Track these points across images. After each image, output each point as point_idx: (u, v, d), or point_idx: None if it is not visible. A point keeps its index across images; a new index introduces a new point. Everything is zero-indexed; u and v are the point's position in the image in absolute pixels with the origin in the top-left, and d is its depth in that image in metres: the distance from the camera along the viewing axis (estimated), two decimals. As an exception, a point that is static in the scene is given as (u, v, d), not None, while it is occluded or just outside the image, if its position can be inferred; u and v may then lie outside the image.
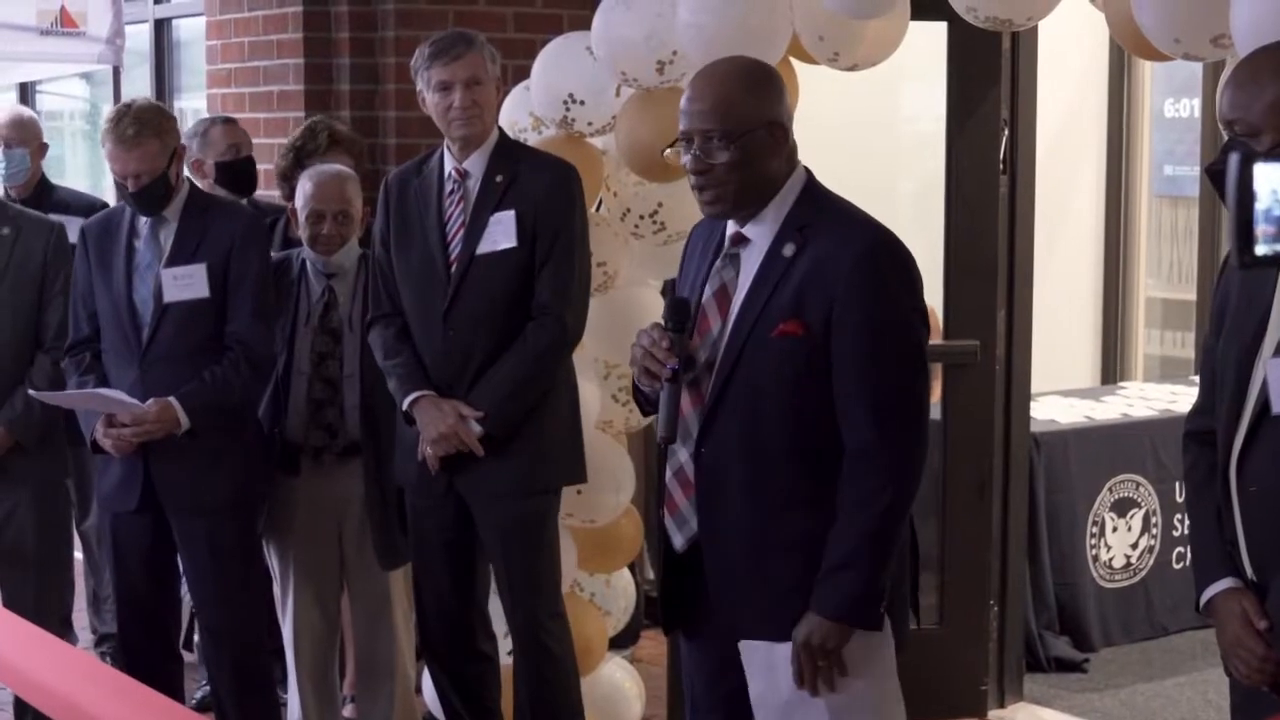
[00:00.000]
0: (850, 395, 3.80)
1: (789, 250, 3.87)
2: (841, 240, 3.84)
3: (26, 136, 7.11)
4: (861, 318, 3.78)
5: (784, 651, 3.88)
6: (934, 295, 6.87)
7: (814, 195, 3.96)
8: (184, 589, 5.94)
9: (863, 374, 3.79)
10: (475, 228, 5.20)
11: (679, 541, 4.04)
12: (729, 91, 3.90)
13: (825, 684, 3.84)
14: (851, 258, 3.80)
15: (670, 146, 4.00)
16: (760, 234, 3.93)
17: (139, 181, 5.43)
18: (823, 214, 3.92)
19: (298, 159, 6.28)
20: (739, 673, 4.00)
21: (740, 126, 3.85)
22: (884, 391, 3.80)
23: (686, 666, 4.27)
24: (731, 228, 3.99)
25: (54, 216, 6.35)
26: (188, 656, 6.35)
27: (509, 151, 5.31)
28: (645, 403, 4.18)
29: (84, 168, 9.14)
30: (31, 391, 5.68)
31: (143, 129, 5.44)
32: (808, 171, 4.01)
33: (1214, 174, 3.64)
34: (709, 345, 3.94)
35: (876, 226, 3.91)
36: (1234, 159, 3.26)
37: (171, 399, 5.39)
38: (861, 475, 3.80)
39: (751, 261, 3.93)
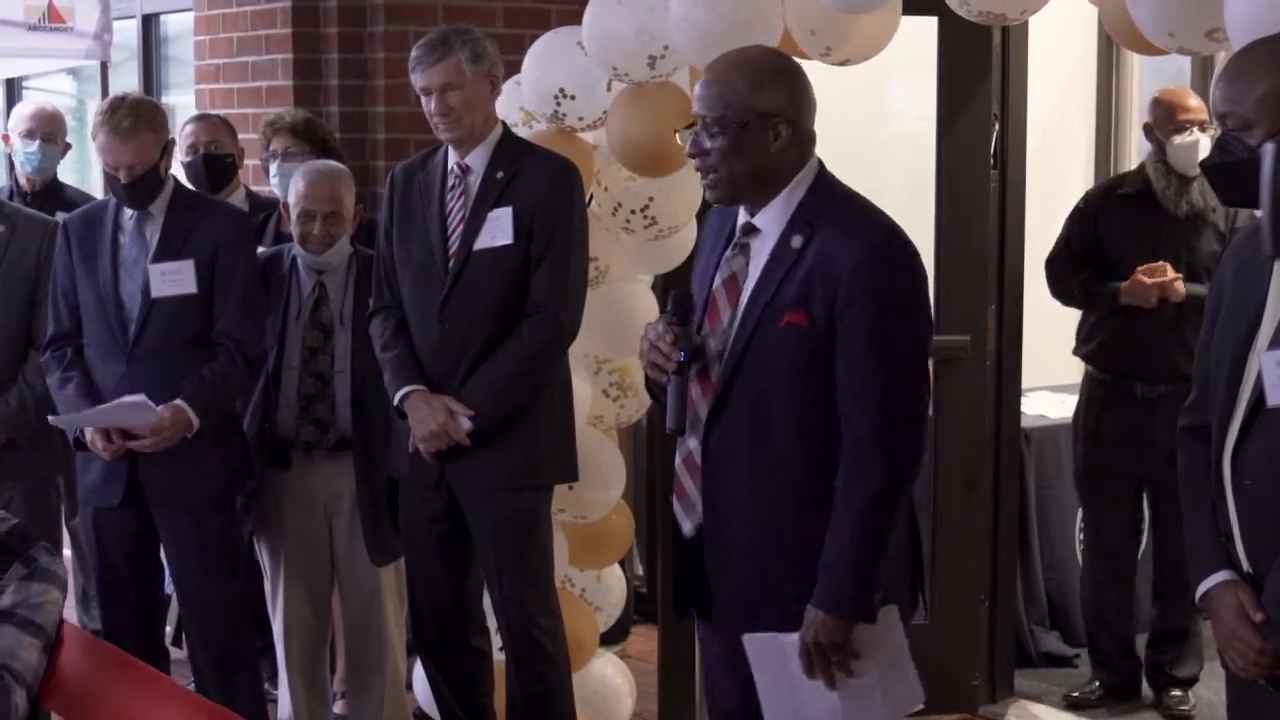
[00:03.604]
0: (851, 387, 3.83)
1: (797, 242, 3.90)
2: (850, 233, 3.87)
3: (58, 132, 7.17)
4: (867, 311, 3.81)
5: (791, 641, 3.90)
6: (929, 298, 6.86)
7: (825, 188, 3.99)
8: (170, 584, 5.93)
9: (865, 367, 3.82)
10: (474, 223, 5.20)
11: (688, 527, 4.09)
12: (726, 79, 3.94)
13: (841, 672, 3.88)
14: (859, 251, 3.83)
15: (688, 127, 4.01)
16: (769, 224, 3.97)
17: (132, 173, 5.42)
18: (832, 207, 3.94)
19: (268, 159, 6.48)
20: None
21: (733, 116, 3.89)
22: (884, 385, 3.83)
23: (704, 647, 4.31)
24: (743, 217, 4.03)
25: (60, 215, 6.36)
26: (176, 652, 6.33)
27: (511, 147, 5.30)
28: (659, 395, 4.20)
29: (71, 163, 9.08)
30: (52, 419, 5.61)
31: (138, 121, 5.45)
32: (820, 164, 4.03)
33: (1209, 169, 3.65)
34: (720, 334, 3.97)
35: (885, 221, 3.95)
36: (1269, 150, 3.28)
37: (181, 402, 5.39)
38: (857, 467, 3.83)
39: (761, 252, 3.96)
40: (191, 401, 5.39)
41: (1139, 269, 6.47)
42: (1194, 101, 6.57)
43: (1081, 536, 7.15)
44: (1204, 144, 6.46)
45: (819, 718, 3.95)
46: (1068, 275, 6.72)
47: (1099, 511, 6.83)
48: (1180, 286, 6.42)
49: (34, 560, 4.14)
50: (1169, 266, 6.45)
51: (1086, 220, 6.75)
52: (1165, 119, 6.56)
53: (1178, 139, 6.51)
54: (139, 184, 5.44)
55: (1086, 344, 6.78)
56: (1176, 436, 3.85)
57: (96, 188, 9.30)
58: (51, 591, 4.15)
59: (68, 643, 4.21)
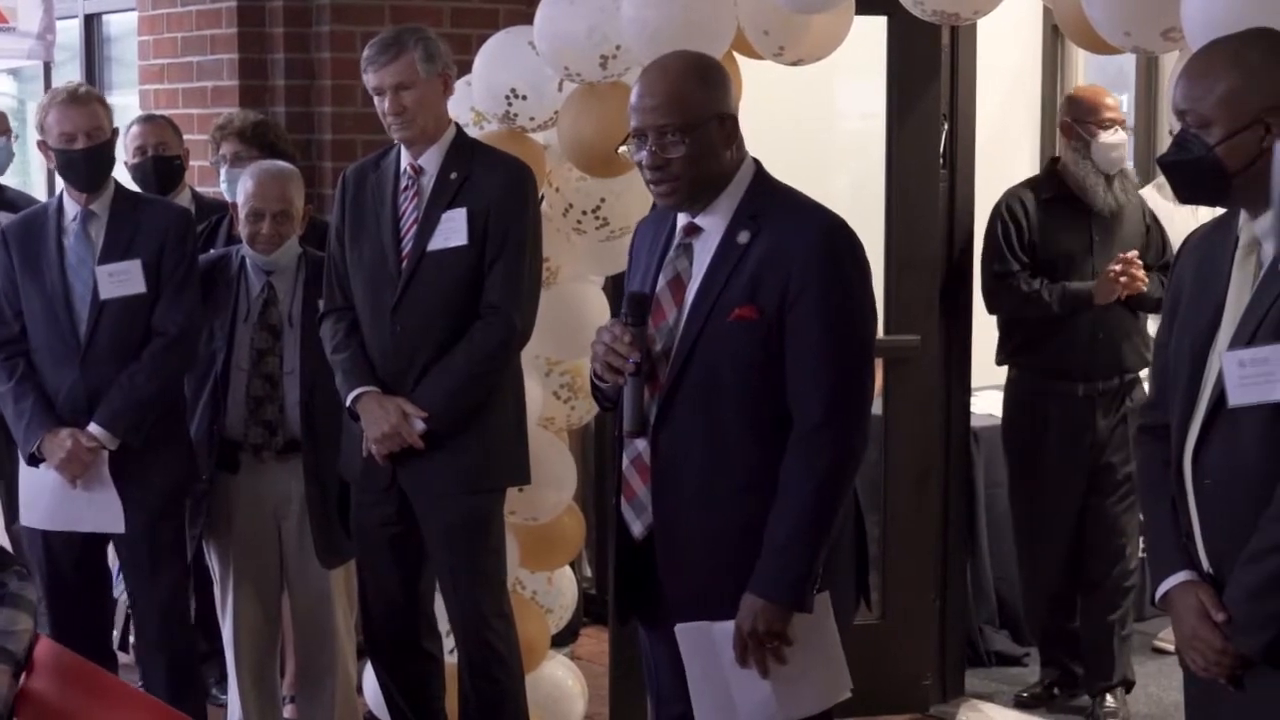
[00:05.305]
0: (803, 376, 3.86)
1: (743, 237, 3.92)
2: (796, 226, 3.91)
3: (4, 127, 7.10)
4: (815, 301, 3.85)
5: (722, 630, 3.91)
6: (874, 290, 6.84)
7: (765, 185, 4.03)
8: (118, 589, 5.88)
9: (814, 357, 3.85)
10: (428, 224, 5.18)
11: (638, 529, 4.07)
12: (680, 86, 3.94)
13: (774, 660, 3.89)
14: (806, 243, 3.87)
15: (623, 144, 4.01)
16: (713, 223, 3.98)
17: (91, 139, 5.38)
18: (775, 202, 3.99)
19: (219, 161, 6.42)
20: None
21: (694, 120, 3.90)
22: (833, 374, 3.86)
23: (650, 656, 4.27)
24: (683, 219, 4.04)
25: (1, 215, 6.30)
26: (123, 658, 6.29)
27: (465, 148, 5.28)
28: (604, 399, 4.18)
29: (13, 165, 9.03)
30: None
31: (90, 93, 5.53)
32: (757, 162, 4.06)
33: (1166, 165, 3.65)
34: (665, 334, 3.98)
35: (828, 213, 3.99)
36: None
37: (92, 426, 5.36)
38: (803, 454, 3.86)
39: (706, 250, 3.98)
40: (101, 420, 5.37)
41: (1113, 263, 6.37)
42: (1111, 99, 6.58)
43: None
44: (1127, 142, 6.49)
45: (750, 707, 3.96)
46: (1024, 284, 6.50)
47: (1037, 513, 6.78)
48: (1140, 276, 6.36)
49: (4, 585, 4.11)
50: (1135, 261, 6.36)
51: (1020, 228, 6.57)
52: (1088, 116, 6.52)
53: (1104, 136, 6.48)
54: (98, 152, 5.42)
55: (1025, 350, 6.71)
56: (1134, 436, 3.86)
57: (38, 190, 9.25)
58: (22, 619, 4.13)
59: (39, 657, 4.19)
